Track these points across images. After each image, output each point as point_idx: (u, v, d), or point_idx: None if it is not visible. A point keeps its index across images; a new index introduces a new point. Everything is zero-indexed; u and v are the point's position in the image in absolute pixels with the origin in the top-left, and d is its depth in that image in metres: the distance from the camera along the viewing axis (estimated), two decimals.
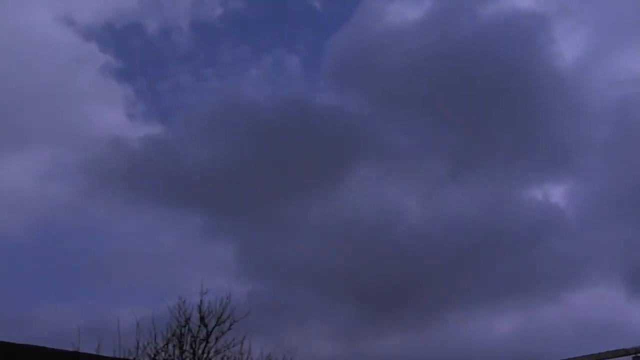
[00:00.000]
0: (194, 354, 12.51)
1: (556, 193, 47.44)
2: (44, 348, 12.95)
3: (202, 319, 12.71)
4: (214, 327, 12.76)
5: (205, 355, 12.47)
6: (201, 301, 12.91)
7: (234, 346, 12.74)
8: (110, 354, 13.05)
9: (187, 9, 46.36)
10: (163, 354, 12.35)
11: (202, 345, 12.60)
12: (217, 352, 12.63)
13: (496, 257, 35.22)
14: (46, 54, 40.61)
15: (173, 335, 12.53)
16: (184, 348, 12.50)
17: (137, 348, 12.22)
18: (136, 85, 47.02)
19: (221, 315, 12.82)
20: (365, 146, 39.95)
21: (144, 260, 36.46)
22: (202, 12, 47.14)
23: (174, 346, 12.54)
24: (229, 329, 12.90)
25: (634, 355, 8.48)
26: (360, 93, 43.83)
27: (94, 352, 12.81)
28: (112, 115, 44.69)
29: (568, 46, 50.14)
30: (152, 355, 12.39)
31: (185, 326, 12.59)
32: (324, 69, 45.56)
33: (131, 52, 46.77)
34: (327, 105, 41.99)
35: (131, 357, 12.58)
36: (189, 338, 12.60)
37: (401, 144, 40.12)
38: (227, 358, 12.68)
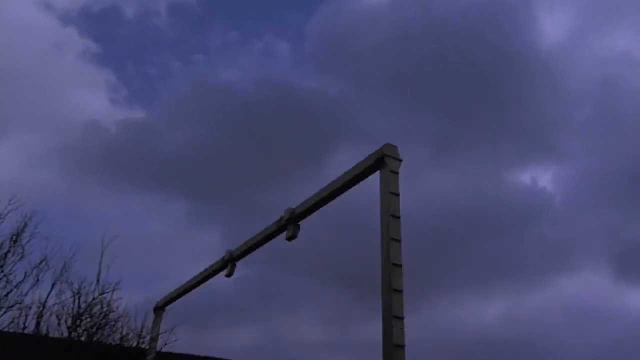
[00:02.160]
0: None
1: (540, 175, 47.62)
2: (39, 335, 12.86)
3: None
4: None
5: None
6: None
7: None
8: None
9: None
10: None
11: None
12: None
13: (483, 241, 35.32)
14: (25, 39, 39.98)
15: None
16: None
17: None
18: (117, 70, 46.48)
19: None
20: (346, 129, 39.73)
21: (132, 246, 36.22)
22: None
23: None
24: None
25: None
26: (340, 75, 43.55)
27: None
28: (93, 100, 44.24)
29: (551, 25, 50.01)
30: None
31: None
32: (304, 52, 45.30)
33: (110, 37, 46.16)
34: (307, 87, 41.70)
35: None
36: None
37: (382, 126, 40.01)
38: None
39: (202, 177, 36.17)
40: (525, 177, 44.77)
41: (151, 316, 14.23)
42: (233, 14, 49.49)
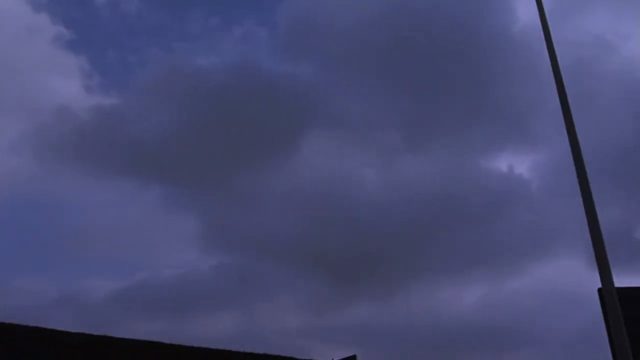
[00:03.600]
0: None
1: (516, 161, 48.07)
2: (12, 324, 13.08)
3: None
4: None
5: None
6: None
7: None
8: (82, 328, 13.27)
9: None
10: None
11: None
12: None
13: (459, 228, 35.95)
14: None
15: None
16: None
17: None
18: (91, 56, 46.19)
19: None
20: (319, 113, 40.02)
21: (109, 233, 36.28)
22: None
23: None
24: None
25: None
26: (313, 60, 43.65)
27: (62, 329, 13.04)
28: (66, 85, 43.88)
29: (524, 8, 50.42)
30: None
31: None
32: (277, 37, 45.19)
33: (83, 23, 45.75)
34: (280, 72, 41.82)
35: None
36: None
37: (355, 110, 40.22)
38: None
39: (176, 163, 36.31)
40: (501, 163, 45.34)
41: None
42: (212, 1, 49.29)
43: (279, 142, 37.55)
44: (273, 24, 49.00)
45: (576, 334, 31.11)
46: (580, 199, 7.51)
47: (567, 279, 37.11)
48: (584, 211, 7.36)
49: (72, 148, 36.37)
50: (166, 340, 14.58)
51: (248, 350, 14.92)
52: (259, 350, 15.03)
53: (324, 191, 36.50)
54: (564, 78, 8.17)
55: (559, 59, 8.12)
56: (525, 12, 50.30)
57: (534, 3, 8.84)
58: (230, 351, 14.47)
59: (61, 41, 42.50)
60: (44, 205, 39.00)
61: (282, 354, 15.26)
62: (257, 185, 36.98)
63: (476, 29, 39.15)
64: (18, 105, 39.05)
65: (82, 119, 37.38)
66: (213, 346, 14.82)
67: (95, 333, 13.83)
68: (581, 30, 46.70)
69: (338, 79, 41.29)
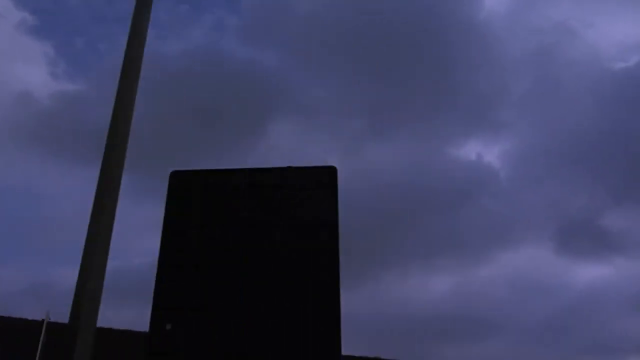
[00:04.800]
0: None
1: (481, 149, 48.63)
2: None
3: None
4: None
5: None
6: None
7: None
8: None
9: None
10: None
11: None
12: None
13: (427, 216, 36.12)
14: None
15: None
16: None
17: None
18: (55, 43, 45.19)
19: None
20: (283, 100, 39.61)
21: (76, 222, 35.65)
22: None
23: None
24: None
25: None
26: (275, 45, 43.20)
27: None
28: (29, 73, 42.89)
29: None
30: None
31: None
32: (239, 22, 44.74)
33: (47, 9, 44.67)
34: (243, 58, 41.29)
35: None
36: None
37: (320, 96, 39.98)
38: None
39: (142, 149, 35.74)
40: (467, 151, 45.74)
41: None
42: None
43: (245, 129, 37.14)
44: (236, 10, 48.36)
45: (544, 322, 31.65)
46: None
47: (535, 267, 37.67)
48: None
49: (33, 135, 35.54)
50: (138, 328, 14.48)
51: None
52: None
53: None
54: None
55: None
56: None
57: None
58: None
59: (24, 27, 41.30)
60: (8, 194, 38.07)
61: None
62: None
63: (442, 14, 39.22)
64: None
65: (45, 105, 36.55)
66: None
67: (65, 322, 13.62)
68: (543, 16, 47.21)
69: (302, 64, 40.86)
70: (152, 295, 4.57)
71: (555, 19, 45.97)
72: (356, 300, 33.91)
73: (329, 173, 4.81)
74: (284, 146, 38.69)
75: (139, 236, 38.82)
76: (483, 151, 45.60)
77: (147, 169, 37.15)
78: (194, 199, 4.88)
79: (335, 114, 39.67)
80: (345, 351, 4.38)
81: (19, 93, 36.64)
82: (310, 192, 4.72)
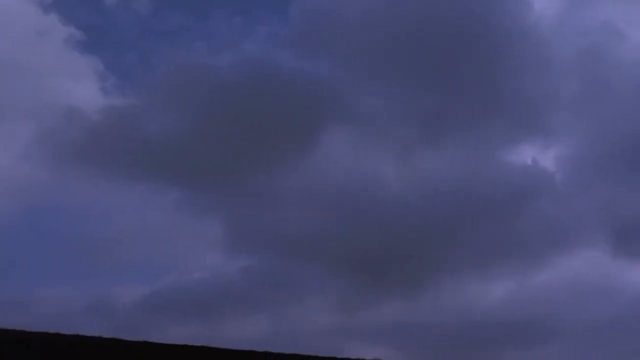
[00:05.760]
0: None
1: (533, 153, 47.50)
2: (46, 333, 13.09)
3: None
4: None
5: None
6: None
7: None
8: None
9: None
10: None
11: None
12: None
13: (483, 222, 35.54)
14: (5, 28, 39.45)
15: None
16: None
17: None
18: (103, 56, 45.81)
19: None
20: (336, 110, 39.58)
21: (131, 238, 36.24)
22: None
23: None
24: None
25: None
26: (326, 54, 43.16)
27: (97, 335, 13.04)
28: (79, 87, 43.69)
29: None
30: None
31: None
32: (290, 32, 44.81)
33: (93, 23, 45.42)
34: (294, 67, 41.34)
35: None
36: None
37: (371, 105, 39.79)
38: None
39: (193, 163, 35.99)
40: (520, 156, 44.85)
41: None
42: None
43: (297, 139, 37.25)
44: (286, 20, 48.55)
45: (603, 325, 30.67)
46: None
47: (592, 270, 36.58)
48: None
49: (84, 151, 36.19)
50: (199, 343, 14.56)
51: (281, 350, 14.83)
52: (293, 350, 14.93)
53: (344, 188, 36.19)
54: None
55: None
56: (538, 3, 49.87)
57: None
58: (265, 352, 14.39)
59: (72, 42, 41.99)
60: (61, 212, 38.94)
61: (316, 353, 15.15)
62: (276, 183, 36.72)
63: (491, 20, 38.69)
64: (29, 109, 38.96)
65: (94, 121, 37.13)
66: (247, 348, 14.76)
67: (128, 338, 13.82)
68: (591, 17, 46.09)
69: (353, 73, 40.82)
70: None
71: (602, 20, 44.86)
72: (415, 309, 33.54)
73: None
74: (337, 155, 38.65)
75: (194, 251, 39.23)
76: (538, 156, 44.60)
77: (203, 183, 37.56)
78: None
79: (387, 122, 39.48)
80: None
81: (67, 108, 37.37)
82: None
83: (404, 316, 31.11)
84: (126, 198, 39.26)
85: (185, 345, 14.07)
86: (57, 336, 13.18)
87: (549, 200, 38.03)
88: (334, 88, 39.67)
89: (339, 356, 15.18)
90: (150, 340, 13.82)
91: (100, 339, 13.44)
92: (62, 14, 43.21)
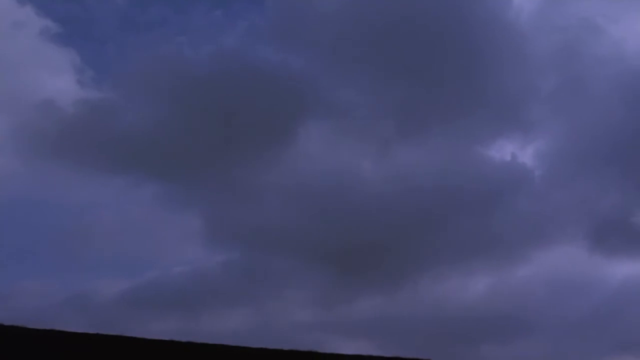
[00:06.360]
0: None
1: (511, 148, 47.79)
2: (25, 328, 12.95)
3: None
4: None
5: None
6: None
7: None
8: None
9: None
10: None
11: None
12: None
13: (462, 216, 35.75)
14: None
15: None
16: None
17: None
18: (81, 50, 44.95)
19: None
20: (315, 103, 39.43)
21: (110, 232, 35.86)
22: None
23: None
24: None
25: None
26: (302, 47, 42.89)
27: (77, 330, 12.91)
28: (53, 80, 42.91)
29: None
30: None
31: None
32: (268, 25, 44.38)
33: (70, 15, 44.53)
34: (271, 61, 41.10)
35: None
36: None
37: (348, 99, 39.65)
38: None
39: (171, 157, 35.59)
40: (499, 151, 45.16)
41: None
42: None
43: (275, 132, 37.04)
44: (261, 12, 48.20)
45: (580, 319, 31.21)
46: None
47: (570, 265, 37.08)
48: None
49: (61, 144, 35.61)
50: (179, 338, 14.49)
51: (262, 345, 14.81)
52: (273, 345, 14.92)
53: (322, 182, 36.11)
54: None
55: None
56: None
57: None
58: (246, 347, 14.36)
59: (48, 34, 41.13)
60: (38, 206, 38.38)
61: (296, 348, 15.14)
62: (255, 177, 36.48)
63: (470, 14, 38.76)
64: (4, 102, 38.24)
65: (70, 114, 36.49)
66: (227, 342, 14.71)
67: (107, 333, 13.71)
68: (568, 13, 46.42)
69: (331, 67, 40.63)
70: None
71: (580, 16, 45.28)
72: (394, 303, 33.64)
73: None
74: (315, 149, 38.55)
75: (174, 245, 38.93)
76: (517, 151, 44.97)
77: (179, 177, 37.16)
78: None
79: (366, 116, 39.43)
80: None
81: (43, 101, 36.71)
82: None
83: (384, 311, 31.29)
84: (104, 191, 38.92)
85: (164, 340, 14.00)
86: (35, 331, 13.04)
87: (527, 196, 38.41)
88: (313, 81, 39.57)
89: (319, 350, 15.17)
90: (128, 334, 13.73)
91: (78, 334, 13.32)
92: (38, 5, 42.58)
